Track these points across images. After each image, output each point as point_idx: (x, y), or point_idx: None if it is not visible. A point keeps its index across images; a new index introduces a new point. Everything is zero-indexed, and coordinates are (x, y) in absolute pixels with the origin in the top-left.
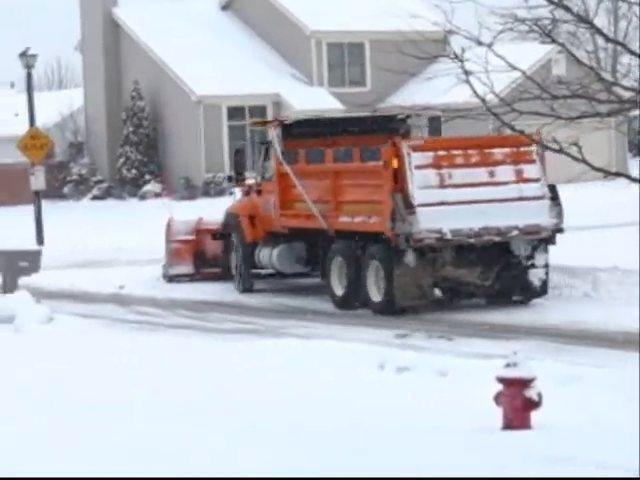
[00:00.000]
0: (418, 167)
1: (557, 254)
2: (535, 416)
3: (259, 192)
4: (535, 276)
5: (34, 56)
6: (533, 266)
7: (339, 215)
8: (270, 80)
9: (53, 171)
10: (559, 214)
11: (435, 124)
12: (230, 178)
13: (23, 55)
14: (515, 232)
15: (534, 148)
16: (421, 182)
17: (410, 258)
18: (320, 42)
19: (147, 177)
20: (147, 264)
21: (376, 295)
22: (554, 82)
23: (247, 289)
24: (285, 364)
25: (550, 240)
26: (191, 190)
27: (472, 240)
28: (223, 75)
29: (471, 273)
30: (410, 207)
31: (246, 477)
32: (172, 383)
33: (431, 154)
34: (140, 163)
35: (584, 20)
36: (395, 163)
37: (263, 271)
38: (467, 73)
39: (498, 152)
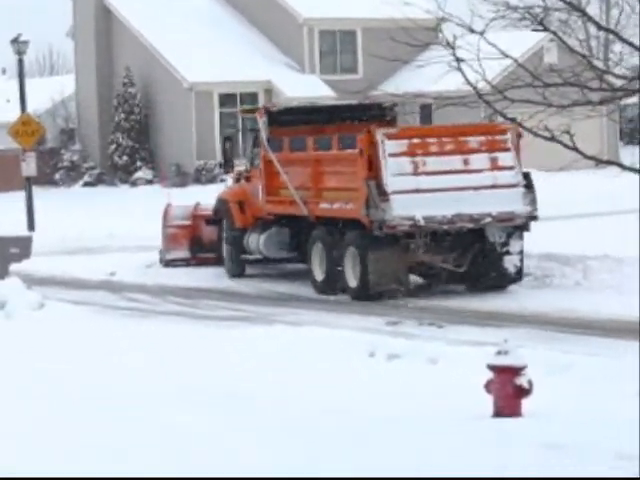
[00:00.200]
0: (392, 155)
1: (547, 242)
2: (526, 404)
3: (248, 179)
4: (510, 262)
5: (26, 42)
6: (508, 253)
7: (319, 202)
8: (262, 67)
9: (44, 157)
10: (533, 201)
11: (427, 112)
12: (222, 165)
13: (15, 41)
14: (488, 219)
15: (509, 136)
16: (395, 170)
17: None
18: (312, 29)
19: (138, 164)
20: (138, 251)
21: (352, 280)
22: (546, 70)
23: (237, 274)
24: (276, 351)
25: (524, 227)
26: (182, 177)
27: (445, 227)
28: (215, 62)
29: (446, 259)
30: (383, 194)
31: (246, 477)
32: (165, 370)
33: (405, 142)
34: (131, 150)
35: (576, 8)
36: (369, 151)
37: (251, 256)
38: (459, 61)
39: (473, 140)
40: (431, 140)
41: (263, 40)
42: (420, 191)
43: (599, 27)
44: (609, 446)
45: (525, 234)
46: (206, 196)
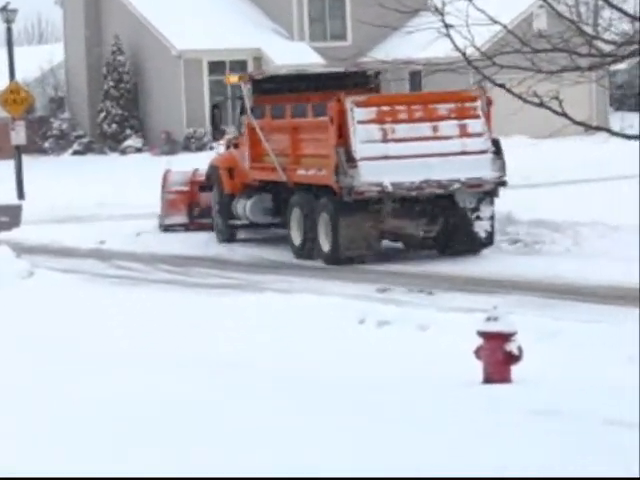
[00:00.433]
0: (361, 122)
1: (537, 209)
2: (515, 370)
3: (236, 146)
4: (480, 228)
5: (14, 11)
6: (478, 218)
7: (297, 168)
8: (251, 35)
9: (34, 126)
10: (502, 168)
11: (416, 78)
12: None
13: (3, 10)
14: (457, 185)
15: (479, 104)
16: (363, 137)
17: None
18: None
19: (128, 132)
20: (128, 219)
21: (326, 245)
22: (535, 36)
23: (227, 240)
24: (267, 319)
25: (493, 193)
26: (172, 145)
27: (414, 193)
28: (204, 30)
29: (416, 225)
30: (352, 161)
31: (245, 477)
32: (155, 338)
33: (374, 109)
34: (121, 118)
35: None
36: (339, 118)
37: (238, 222)
38: (448, 27)
39: (442, 107)
40: (400, 107)
41: (252, 7)
42: (389, 158)
43: None
44: (598, 412)
45: (518, 201)
46: (196, 163)
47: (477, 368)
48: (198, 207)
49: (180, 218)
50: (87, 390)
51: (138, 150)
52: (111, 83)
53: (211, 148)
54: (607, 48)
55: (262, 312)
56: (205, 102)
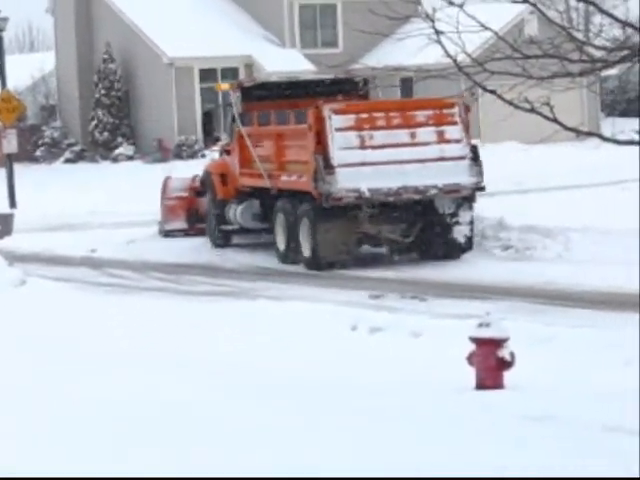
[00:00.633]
0: (339, 129)
1: (529, 214)
2: (508, 376)
3: (228, 152)
4: (459, 233)
5: (5, 19)
6: (457, 223)
7: (281, 175)
8: (242, 42)
9: (25, 134)
10: (479, 173)
11: (407, 85)
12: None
13: None
14: (434, 191)
15: (456, 110)
16: (341, 144)
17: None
18: (292, 3)
19: (119, 140)
20: (119, 227)
21: (306, 250)
22: (526, 42)
23: (220, 245)
24: (259, 326)
25: (471, 198)
26: (163, 153)
27: (391, 199)
28: (195, 37)
29: (393, 230)
30: (329, 167)
31: (246, 477)
32: (147, 345)
33: (352, 117)
34: (112, 126)
35: None
36: (317, 126)
37: (230, 227)
38: (438, 33)
39: (420, 114)
40: (378, 114)
41: (243, 15)
42: (366, 164)
43: None
44: (591, 417)
45: (510, 207)
46: (188, 171)
47: (470, 374)
48: (197, 213)
49: (180, 224)
50: (83, 392)
51: (130, 158)
52: (102, 91)
53: (203, 156)
54: (598, 54)
55: (254, 319)
56: (196, 110)
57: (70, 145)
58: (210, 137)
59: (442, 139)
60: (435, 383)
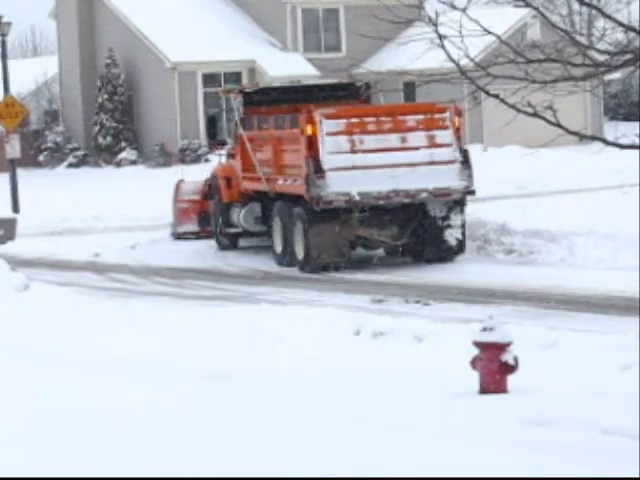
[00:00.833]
0: (329, 134)
1: (532, 218)
2: (511, 380)
3: (232, 156)
4: (451, 236)
5: (8, 24)
6: (449, 226)
7: (278, 179)
8: (245, 46)
9: (28, 139)
10: (469, 177)
11: (410, 89)
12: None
13: None
14: (424, 194)
15: (447, 115)
16: (332, 148)
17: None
18: (295, 8)
19: (122, 144)
20: (122, 231)
21: (300, 253)
22: (529, 46)
23: (226, 247)
24: (262, 331)
25: (461, 202)
26: (166, 157)
27: (381, 202)
28: (198, 42)
29: (384, 233)
30: (320, 172)
31: (245, 477)
32: (150, 350)
33: (343, 121)
34: (115, 130)
35: None
36: (309, 130)
37: (233, 230)
38: (441, 37)
39: (410, 119)
40: (369, 119)
41: (246, 19)
42: (356, 168)
43: (582, 2)
44: (595, 422)
45: (513, 211)
46: (191, 176)
47: (473, 378)
48: (208, 215)
49: (191, 226)
50: (82, 397)
51: (133, 162)
52: (105, 96)
53: (206, 160)
54: (601, 58)
55: (257, 324)
56: (199, 114)
57: (73, 150)
58: (214, 141)
59: (433, 143)
60: (438, 387)
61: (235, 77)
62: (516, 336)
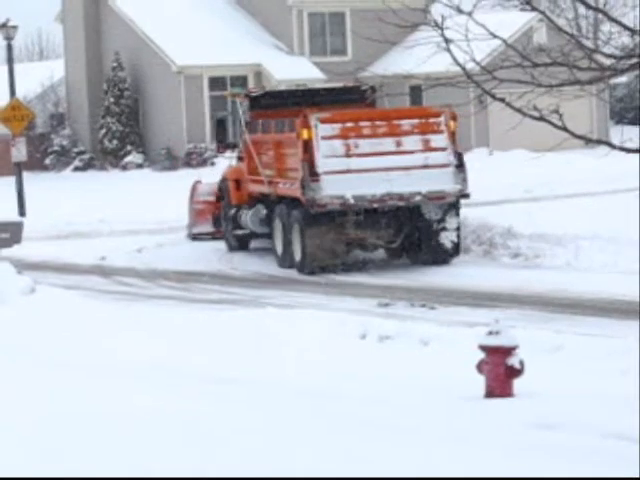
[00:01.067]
0: (324, 138)
1: (538, 222)
2: (517, 384)
3: (241, 159)
4: (446, 238)
5: (15, 27)
6: (444, 229)
7: (279, 182)
8: (251, 50)
9: (35, 142)
10: (463, 180)
11: (416, 93)
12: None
13: (3, 26)
14: (418, 197)
15: (442, 119)
16: (327, 152)
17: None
18: (301, 12)
19: (128, 148)
20: (129, 235)
21: (297, 255)
22: (535, 50)
23: (235, 249)
24: (268, 334)
25: (455, 205)
26: (172, 161)
27: (375, 205)
28: (204, 45)
29: (379, 236)
30: (314, 175)
31: (245, 477)
32: (155, 353)
33: (338, 126)
34: (121, 134)
35: None
36: (304, 134)
37: (241, 232)
38: (447, 41)
39: (405, 123)
40: (364, 123)
41: (252, 23)
42: (351, 171)
43: (588, 6)
44: (601, 426)
45: (519, 214)
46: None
47: (479, 382)
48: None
49: (207, 227)
50: (87, 403)
51: (139, 166)
52: (111, 99)
53: (212, 164)
54: (607, 61)
55: (263, 327)
56: (206, 118)
57: (79, 153)
58: (225, 144)
59: (427, 147)
60: (444, 391)
61: (241, 81)
62: (522, 340)
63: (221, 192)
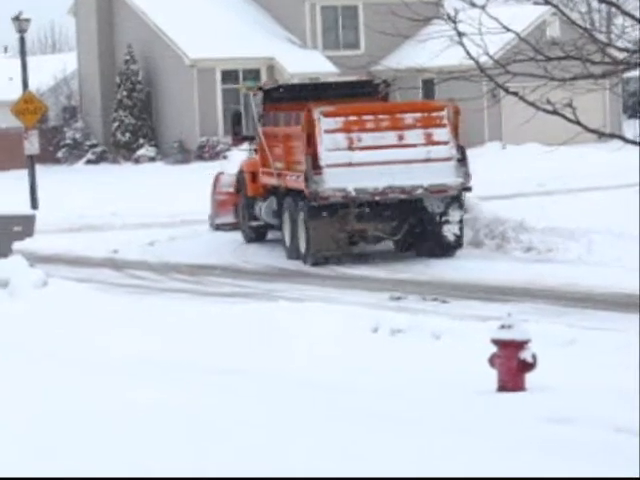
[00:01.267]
0: (328, 131)
1: (551, 216)
2: (530, 378)
3: (256, 151)
4: (449, 231)
5: (27, 20)
6: (447, 222)
7: (287, 174)
8: (264, 43)
9: (47, 135)
10: (466, 174)
11: (429, 86)
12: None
13: (16, 19)
14: (420, 191)
15: (444, 113)
16: (329, 145)
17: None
18: (314, 5)
19: (141, 141)
20: (141, 228)
21: (302, 246)
22: (548, 43)
23: (252, 240)
24: (280, 327)
25: (458, 198)
26: (185, 154)
27: (377, 198)
28: (217, 39)
29: (381, 228)
30: (317, 168)
31: (246, 477)
32: (168, 346)
33: (341, 119)
34: (134, 127)
35: None
36: (309, 128)
37: (256, 223)
38: (460, 35)
39: (408, 117)
40: (367, 117)
41: (265, 16)
42: (353, 165)
43: (601, 0)
44: (613, 420)
45: (532, 208)
46: (208, 173)
47: (491, 376)
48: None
49: (229, 218)
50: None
51: (151, 159)
52: (124, 92)
53: (224, 157)
54: (620, 55)
55: (275, 321)
56: (218, 111)
57: (92, 146)
58: (238, 136)
59: (430, 141)
60: (457, 385)
61: (254, 74)
62: (534, 334)
63: (239, 184)
